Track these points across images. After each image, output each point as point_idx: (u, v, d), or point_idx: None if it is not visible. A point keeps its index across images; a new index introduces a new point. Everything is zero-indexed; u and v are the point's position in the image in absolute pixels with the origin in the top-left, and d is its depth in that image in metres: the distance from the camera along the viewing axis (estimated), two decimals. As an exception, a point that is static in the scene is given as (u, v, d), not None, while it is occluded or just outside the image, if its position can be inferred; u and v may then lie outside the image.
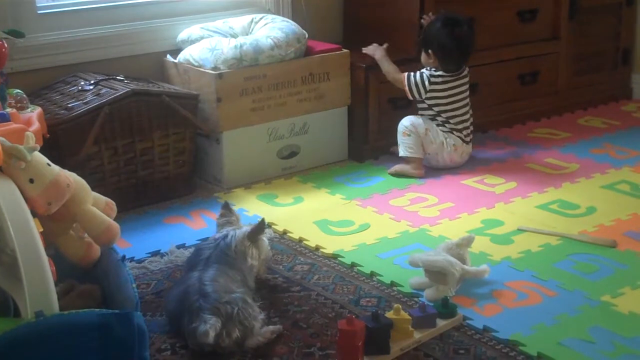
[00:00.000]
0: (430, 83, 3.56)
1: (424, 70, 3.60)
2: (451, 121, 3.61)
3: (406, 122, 3.62)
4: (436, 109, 3.60)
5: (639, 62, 4.68)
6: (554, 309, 2.48)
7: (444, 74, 3.58)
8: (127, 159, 3.22)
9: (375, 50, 3.68)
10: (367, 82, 3.69)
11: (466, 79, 3.64)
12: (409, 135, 3.59)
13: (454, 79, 3.59)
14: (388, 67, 3.64)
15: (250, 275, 2.54)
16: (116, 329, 1.87)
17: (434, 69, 3.59)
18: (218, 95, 3.37)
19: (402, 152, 3.60)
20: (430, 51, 3.57)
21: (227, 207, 2.77)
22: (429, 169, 3.63)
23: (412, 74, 3.60)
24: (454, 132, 3.61)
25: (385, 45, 3.69)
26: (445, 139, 3.59)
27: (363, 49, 3.70)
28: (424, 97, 3.59)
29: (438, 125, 3.61)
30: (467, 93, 3.65)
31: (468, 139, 3.66)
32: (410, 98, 3.63)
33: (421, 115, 3.65)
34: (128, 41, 3.56)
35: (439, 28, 3.56)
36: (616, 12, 4.54)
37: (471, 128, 3.68)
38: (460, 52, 3.58)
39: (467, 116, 3.66)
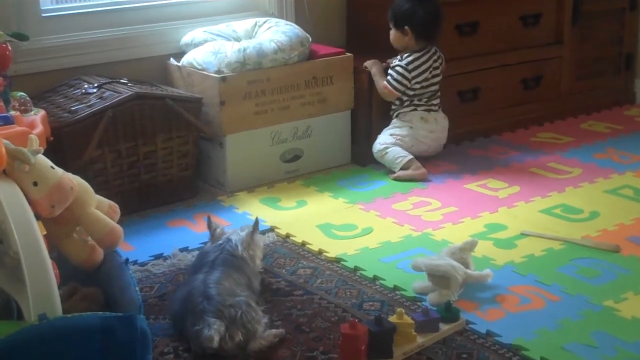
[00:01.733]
0: (409, 70, 3.62)
1: (394, 66, 3.65)
2: (419, 99, 3.68)
3: (376, 147, 3.66)
4: (415, 91, 3.65)
5: (642, 67, 4.69)
6: (557, 313, 2.48)
7: (417, 53, 3.64)
8: (131, 162, 3.23)
9: (372, 65, 3.70)
10: (370, 86, 3.69)
11: (437, 56, 3.68)
12: (386, 152, 3.61)
13: (425, 55, 3.65)
14: (379, 82, 3.66)
15: (255, 278, 2.55)
16: (119, 332, 1.87)
17: (399, 57, 3.66)
18: (221, 99, 3.37)
19: (396, 169, 3.59)
20: (406, 27, 3.62)
21: (212, 221, 2.73)
22: (429, 166, 3.63)
23: (388, 76, 3.64)
24: (418, 108, 3.68)
25: (385, 63, 3.73)
26: (409, 122, 3.65)
27: (364, 63, 3.71)
28: (412, 84, 3.63)
29: (409, 110, 3.68)
30: (440, 71, 3.70)
31: (436, 107, 3.71)
32: (400, 95, 3.65)
33: (396, 115, 3.71)
34: (131, 44, 3.57)
35: (414, 4, 3.61)
36: (619, 17, 4.54)
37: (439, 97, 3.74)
38: (437, 25, 3.66)
39: (438, 88, 3.71)
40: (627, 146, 3.94)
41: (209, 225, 2.70)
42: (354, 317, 2.45)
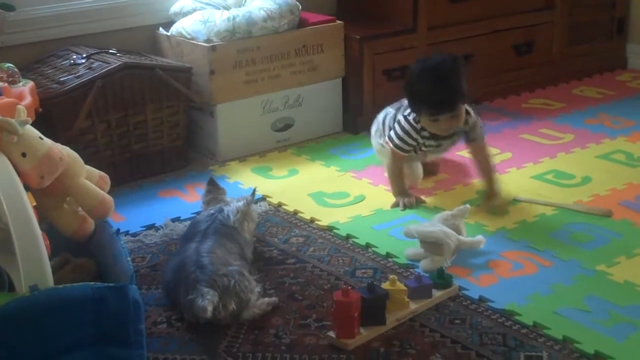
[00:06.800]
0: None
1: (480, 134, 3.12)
2: None
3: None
4: None
5: (634, 32, 4.66)
6: (550, 278, 2.48)
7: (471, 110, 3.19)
8: (121, 132, 3.21)
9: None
10: (361, 53, 3.68)
11: None
12: None
13: None
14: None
15: (247, 247, 2.54)
16: (111, 302, 1.87)
17: (468, 129, 3.09)
18: (211, 68, 3.35)
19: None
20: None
21: (212, 183, 2.75)
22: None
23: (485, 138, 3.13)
24: None
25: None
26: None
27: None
28: None
29: None
30: None
31: None
32: None
33: None
34: (120, 14, 3.54)
35: (459, 64, 2.99)
36: (611, -19, 4.52)
37: None
38: None
39: None
40: (619, 111, 3.94)
41: (208, 187, 2.72)
42: (347, 284, 2.45)
